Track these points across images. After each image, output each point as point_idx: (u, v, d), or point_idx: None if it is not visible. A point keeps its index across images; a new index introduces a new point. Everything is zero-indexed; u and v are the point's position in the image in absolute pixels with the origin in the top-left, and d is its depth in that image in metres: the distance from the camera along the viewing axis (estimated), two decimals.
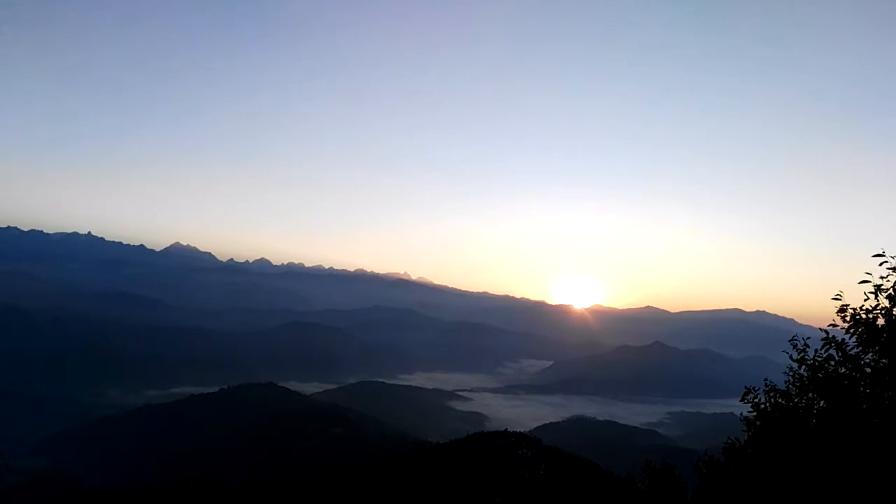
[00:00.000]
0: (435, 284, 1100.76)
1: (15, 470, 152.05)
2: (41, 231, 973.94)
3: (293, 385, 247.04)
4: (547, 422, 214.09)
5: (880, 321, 10.52)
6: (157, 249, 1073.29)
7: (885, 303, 10.51)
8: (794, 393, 11.94)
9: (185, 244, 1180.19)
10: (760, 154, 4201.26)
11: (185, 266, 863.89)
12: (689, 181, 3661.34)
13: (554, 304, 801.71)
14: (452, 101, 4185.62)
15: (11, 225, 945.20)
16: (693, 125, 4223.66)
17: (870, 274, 10.56)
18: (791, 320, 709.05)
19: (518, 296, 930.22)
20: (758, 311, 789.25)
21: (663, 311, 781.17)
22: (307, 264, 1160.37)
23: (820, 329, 11.21)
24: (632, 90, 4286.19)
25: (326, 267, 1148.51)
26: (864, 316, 10.64)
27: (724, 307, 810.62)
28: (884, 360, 10.49)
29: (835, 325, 11.07)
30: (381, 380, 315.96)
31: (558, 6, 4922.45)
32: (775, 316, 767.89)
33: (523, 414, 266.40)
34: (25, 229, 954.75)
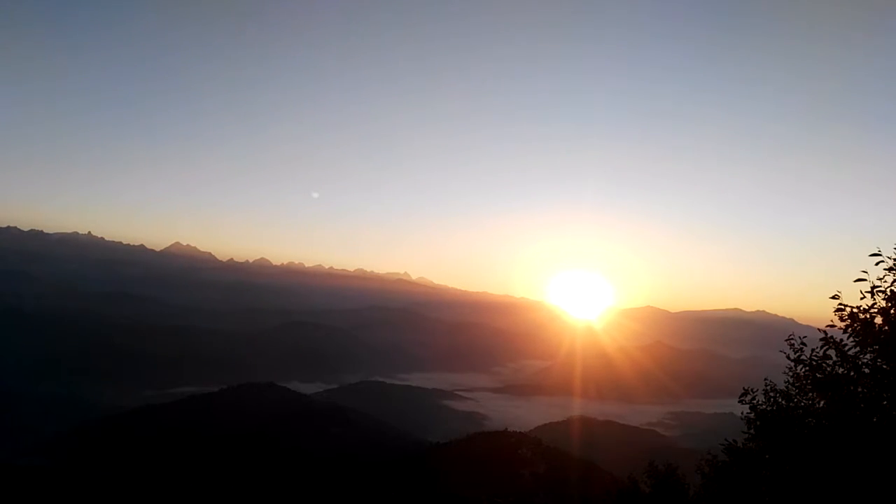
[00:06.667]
0: (435, 284, 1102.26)
1: (15, 470, 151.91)
2: (41, 231, 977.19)
3: (293, 385, 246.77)
4: (547, 422, 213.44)
5: (878, 320, 10.50)
6: (157, 249, 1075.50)
7: (882, 302, 10.48)
8: (793, 393, 11.92)
9: (185, 244, 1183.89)
10: (761, 153, 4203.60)
11: (185, 266, 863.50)
12: (690, 181, 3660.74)
13: (554, 303, 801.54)
14: (453, 100, 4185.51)
15: (11, 225, 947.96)
16: (694, 124, 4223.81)
17: (866, 272, 10.51)
18: (791, 320, 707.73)
19: (518, 296, 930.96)
20: (758, 311, 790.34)
21: (663, 310, 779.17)
22: (307, 264, 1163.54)
23: (819, 330, 11.13)
24: (633, 87, 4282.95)
25: (326, 267, 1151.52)
26: (861, 315, 10.58)
27: (724, 307, 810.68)
28: (880, 360, 10.47)
29: (833, 326, 10.97)
30: (380, 380, 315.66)
31: (557, 4, 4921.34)
32: (775, 316, 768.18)
33: (523, 414, 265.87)
34: (25, 229, 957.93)
